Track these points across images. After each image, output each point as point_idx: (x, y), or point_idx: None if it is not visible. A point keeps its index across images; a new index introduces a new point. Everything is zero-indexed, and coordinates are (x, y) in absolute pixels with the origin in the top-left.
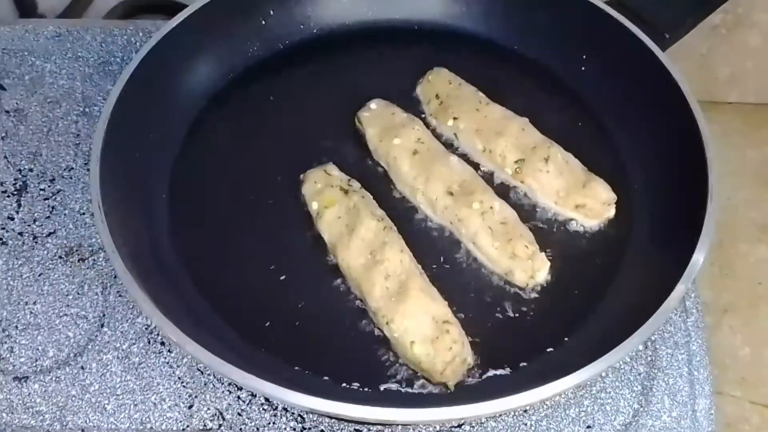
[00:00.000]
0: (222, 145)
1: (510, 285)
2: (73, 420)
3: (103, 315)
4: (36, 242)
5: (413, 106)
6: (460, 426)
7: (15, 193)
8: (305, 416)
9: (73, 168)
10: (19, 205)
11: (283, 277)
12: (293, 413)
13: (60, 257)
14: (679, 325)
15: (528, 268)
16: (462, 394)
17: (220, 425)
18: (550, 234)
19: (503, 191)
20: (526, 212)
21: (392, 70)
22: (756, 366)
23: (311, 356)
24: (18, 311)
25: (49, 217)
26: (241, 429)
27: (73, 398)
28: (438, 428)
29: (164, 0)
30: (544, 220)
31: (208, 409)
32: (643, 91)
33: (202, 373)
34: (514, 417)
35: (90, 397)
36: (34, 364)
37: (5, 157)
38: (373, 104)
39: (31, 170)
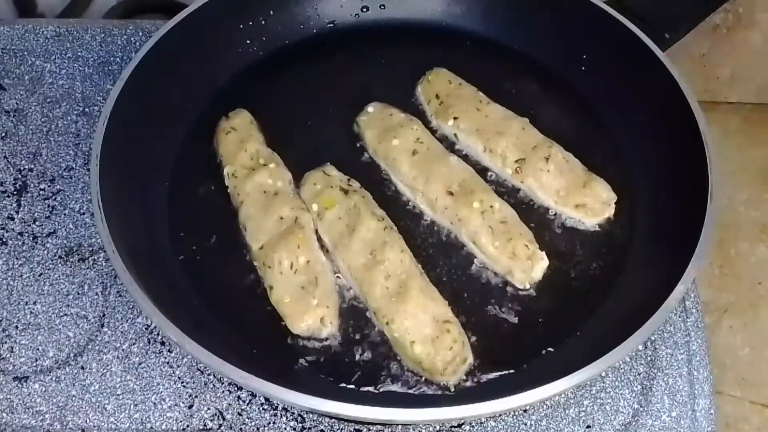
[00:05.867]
0: None
1: (510, 285)
2: (73, 420)
3: (103, 315)
4: (36, 242)
5: (413, 106)
6: (460, 426)
7: (15, 193)
8: (305, 416)
9: (73, 168)
10: (19, 205)
11: None
12: (293, 413)
13: (60, 257)
14: (679, 325)
15: (527, 267)
16: (462, 394)
17: (220, 425)
18: (550, 233)
19: (503, 191)
20: (526, 212)
21: (392, 70)
22: (756, 366)
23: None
24: (18, 311)
25: (49, 217)
26: (241, 429)
27: (73, 398)
28: (438, 428)
29: (164, 0)
30: (544, 220)
31: (208, 409)
32: (643, 91)
33: (202, 373)
34: (514, 417)
35: (90, 397)
36: (34, 364)
37: (5, 157)
38: (371, 108)
39: (31, 170)
